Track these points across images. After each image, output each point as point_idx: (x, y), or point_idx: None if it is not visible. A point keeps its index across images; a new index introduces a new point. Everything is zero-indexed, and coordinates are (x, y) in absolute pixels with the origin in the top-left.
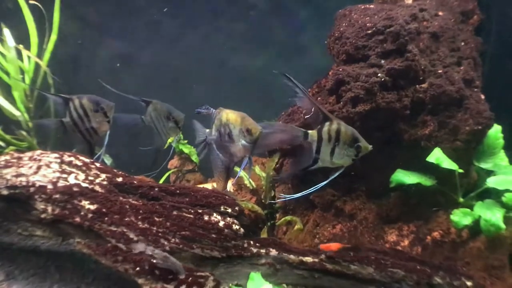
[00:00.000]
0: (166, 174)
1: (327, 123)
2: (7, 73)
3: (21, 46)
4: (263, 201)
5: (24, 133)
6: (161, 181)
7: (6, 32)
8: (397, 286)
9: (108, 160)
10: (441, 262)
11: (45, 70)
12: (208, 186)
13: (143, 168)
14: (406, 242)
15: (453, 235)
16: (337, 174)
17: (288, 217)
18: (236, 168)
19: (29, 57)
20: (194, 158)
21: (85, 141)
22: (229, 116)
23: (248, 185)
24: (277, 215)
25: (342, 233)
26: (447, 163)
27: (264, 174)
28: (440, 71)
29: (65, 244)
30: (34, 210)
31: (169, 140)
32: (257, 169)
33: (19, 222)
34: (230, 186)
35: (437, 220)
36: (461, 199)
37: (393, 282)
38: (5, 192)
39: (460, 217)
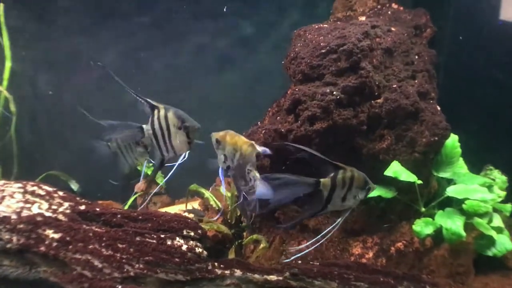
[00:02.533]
0: (132, 198)
1: (341, 171)
2: None
3: None
4: (229, 221)
5: None
6: (127, 206)
7: None
8: None
9: (74, 186)
10: (404, 272)
11: (5, 95)
12: (175, 208)
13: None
14: (370, 254)
15: (416, 245)
16: (346, 214)
17: (254, 236)
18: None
19: None
20: (160, 180)
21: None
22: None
23: (214, 205)
24: (244, 233)
25: (307, 248)
26: (406, 175)
27: (229, 194)
28: (394, 86)
29: (34, 272)
30: (0, 241)
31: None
32: (222, 189)
33: None
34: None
35: (400, 231)
36: (423, 209)
37: None
38: None
39: (422, 227)
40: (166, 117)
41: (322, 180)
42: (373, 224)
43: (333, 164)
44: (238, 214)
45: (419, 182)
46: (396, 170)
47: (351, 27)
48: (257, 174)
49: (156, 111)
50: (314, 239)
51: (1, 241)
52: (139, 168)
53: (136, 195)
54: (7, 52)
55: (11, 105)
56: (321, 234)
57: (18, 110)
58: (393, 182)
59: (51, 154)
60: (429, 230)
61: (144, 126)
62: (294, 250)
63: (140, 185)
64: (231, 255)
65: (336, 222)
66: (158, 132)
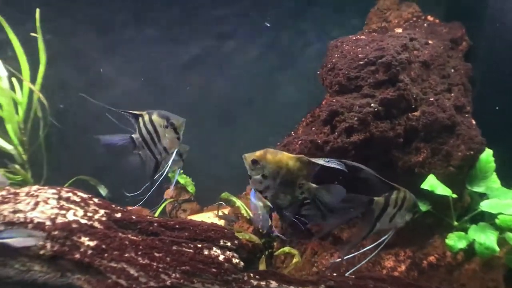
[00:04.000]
0: (163, 204)
1: (395, 192)
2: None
3: (13, 79)
4: (260, 230)
5: (17, 166)
6: (157, 212)
7: None
8: None
9: (103, 191)
10: (437, 286)
11: (39, 97)
12: (204, 215)
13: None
14: (403, 267)
15: (448, 259)
16: (391, 233)
17: (286, 249)
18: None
19: (22, 89)
20: (190, 188)
21: (153, 158)
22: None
23: (245, 214)
24: (275, 243)
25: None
26: (441, 189)
27: (261, 204)
28: (431, 99)
29: (65, 278)
30: (32, 246)
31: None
32: (252, 199)
33: (17, 258)
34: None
35: (433, 244)
36: (455, 223)
37: None
38: (2, 228)
39: (455, 241)
40: (151, 121)
41: (376, 198)
42: (406, 237)
43: (387, 183)
44: (269, 223)
45: (454, 196)
46: (432, 183)
47: (389, 39)
48: (313, 186)
49: (140, 119)
50: (351, 254)
51: (34, 247)
52: (170, 175)
53: (166, 201)
54: (42, 57)
55: (38, 110)
56: (364, 250)
57: (46, 114)
58: (427, 195)
59: (80, 158)
60: (462, 244)
61: (133, 135)
62: (335, 262)
63: (169, 192)
64: (262, 265)
65: (382, 239)
66: (147, 137)
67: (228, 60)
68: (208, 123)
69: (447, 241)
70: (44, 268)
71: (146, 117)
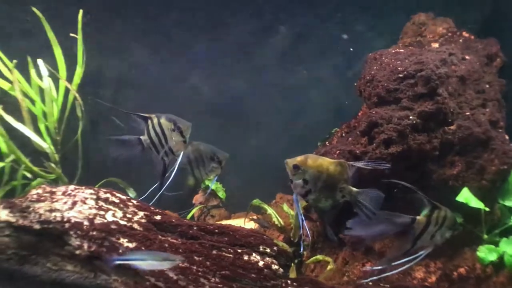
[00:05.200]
0: (193, 210)
1: (437, 210)
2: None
3: (49, 79)
4: (291, 239)
5: (52, 165)
6: (188, 217)
7: (40, 62)
8: None
9: (132, 194)
10: None
11: (74, 94)
12: (233, 222)
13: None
14: (433, 278)
15: (478, 271)
16: (430, 250)
17: (320, 256)
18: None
19: (57, 88)
20: (221, 194)
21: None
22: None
23: (276, 222)
24: (305, 252)
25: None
26: (475, 202)
27: (292, 212)
28: (467, 113)
29: (98, 280)
30: (67, 246)
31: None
32: (285, 206)
33: (49, 256)
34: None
35: (463, 256)
36: (485, 236)
37: None
38: (37, 226)
39: (486, 253)
40: (159, 124)
41: (418, 218)
42: (436, 249)
43: (430, 202)
44: (301, 232)
45: (487, 209)
46: (466, 196)
47: (429, 53)
48: (354, 189)
49: (149, 121)
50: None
51: (70, 247)
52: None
53: (196, 208)
54: (80, 58)
55: (78, 110)
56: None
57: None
58: (459, 208)
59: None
60: (492, 257)
61: (141, 137)
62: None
63: (198, 198)
64: (292, 274)
65: (419, 254)
66: (155, 139)
67: (259, 70)
68: (239, 130)
69: (478, 253)
70: (77, 268)
71: (155, 120)
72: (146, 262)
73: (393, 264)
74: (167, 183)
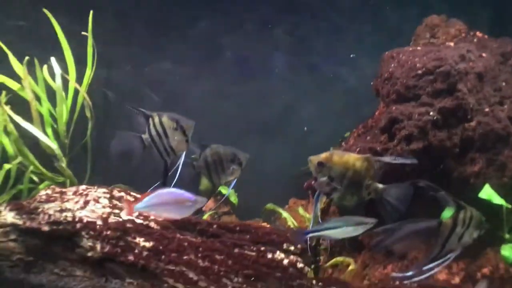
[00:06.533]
0: (204, 217)
1: (462, 211)
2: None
3: (55, 83)
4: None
5: (63, 164)
6: None
7: (53, 60)
8: None
9: None
10: None
11: (83, 96)
12: None
13: None
14: (457, 280)
15: (501, 271)
16: (458, 252)
17: (340, 258)
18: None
19: (66, 90)
20: (233, 199)
21: (162, 159)
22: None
23: (292, 226)
24: (321, 257)
25: (394, 273)
26: (498, 199)
27: (308, 215)
28: (486, 110)
29: (110, 285)
30: (78, 248)
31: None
32: (301, 210)
33: (57, 262)
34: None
35: (486, 257)
36: (507, 236)
37: None
38: (46, 228)
39: (510, 251)
40: (161, 123)
41: (444, 220)
42: None
43: (456, 202)
44: None
45: (510, 206)
46: (489, 193)
47: (447, 50)
48: (380, 185)
49: (151, 120)
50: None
51: (81, 249)
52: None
53: (207, 214)
54: (89, 60)
55: (87, 110)
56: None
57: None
58: (480, 207)
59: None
60: None
61: (143, 135)
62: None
63: (209, 204)
64: None
65: (448, 257)
66: (156, 138)
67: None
68: (251, 136)
69: (502, 252)
70: (87, 273)
71: (156, 119)
72: (339, 230)
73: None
74: (172, 183)
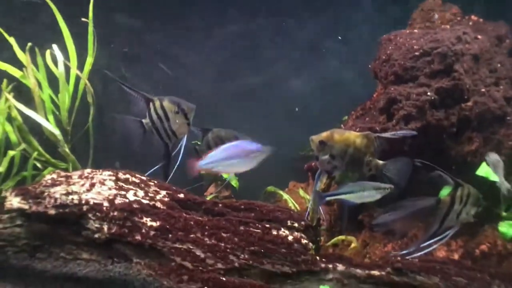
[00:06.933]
0: None
1: (460, 188)
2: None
3: (57, 70)
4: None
5: (66, 149)
6: None
7: (55, 47)
8: None
9: None
10: (497, 270)
11: (85, 83)
12: None
13: None
14: (456, 256)
15: (499, 247)
16: (456, 229)
17: (342, 237)
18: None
19: (67, 79)
20: (234, 182)
21: (163, 143)
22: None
23: (293, 208)
24: (322, 238)
25: (394, 251)
26: (494, 177)
27: (308, 197)
28: (482, 90)
29: (104, 270)
30: (85, 230)
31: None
32: (301, 191)
33: (63, 245)
34: None
35: (484, 234)
36: (504, 213)
37: None
38: (52, 211)
39: (508, 228)
40: (162, 106)
41: (442, 198)
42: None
43: (454, 180)
44: (318, 216)
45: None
46: (486, 170)
47: (443, 32)
48: (380, 162)
49: (151, 104)
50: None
51: (88, 231)
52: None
53: (209, 197)
54: (90, 48)
55: (89, 96)
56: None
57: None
58: (477, 185)
59: (118, 151)
60: None
61: (143, 120)
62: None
63: (210, 188)
64: None
65: (446, 234)
66: (157, 122)
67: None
68: (251, 119)
69: (500, 228)
70: (93, 255)
71: (157, 103)
72: (357, 195)
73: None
74: (174, 168)
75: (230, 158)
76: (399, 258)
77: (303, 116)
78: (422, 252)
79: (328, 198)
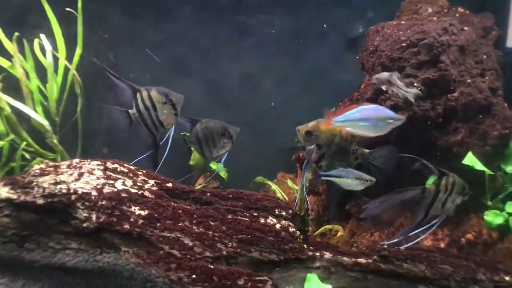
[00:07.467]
0: None
1: (445, 177)
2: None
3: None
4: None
5: (54, 140)
6: None
7: (43, 37)
8: (445, 283)
9: None
10: (482, 258)
11: (73, 73)
12: None
13: None
14: (442, 245)
15: (485, 236)
16: (443, 218)
17: (329, 226)
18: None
19: (55, 70)
20: (223, 174)
21: (150, 134)
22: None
23: (281, 198)
24: (310, 228)
25: (381, 240)
26: (480, 166)
27: (296, 187)
28: (468, 81)
29: (94, 261)
30: (74, 220)
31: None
32: (289, 182)
33: (51, 235)
34: None
35: (469, 223)
36: (489, 202)
37: (442, 278)
38: (40, 201)
39: (493, 217)
40: (149, 97)
41: (427, 187)
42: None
43: (437, 169)
44: (306, 206)
45: (492, 173)
46: (472, 160)
47: (430, 23)
48: (366, 150)
49: (138, 94)
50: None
51: (76, 220)
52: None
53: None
54: (80, 38)
55: (77, 86)
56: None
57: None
58: (463, 175)
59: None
60: (499, 220)
61: (129, 110)
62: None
63: (199, 180)
64: None
65: (433, 223)
66: (144, 113)
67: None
68: (238, 110)
69: (485, 217)
70: (82, 245)
71: (145, 93)
72: (343, 180)
73: (408, 235)
74: (163, 158)
75: (365, 120)
76: (385, 247)
77: (293, 106)
78: (412, 243)
79: (324, 178)
